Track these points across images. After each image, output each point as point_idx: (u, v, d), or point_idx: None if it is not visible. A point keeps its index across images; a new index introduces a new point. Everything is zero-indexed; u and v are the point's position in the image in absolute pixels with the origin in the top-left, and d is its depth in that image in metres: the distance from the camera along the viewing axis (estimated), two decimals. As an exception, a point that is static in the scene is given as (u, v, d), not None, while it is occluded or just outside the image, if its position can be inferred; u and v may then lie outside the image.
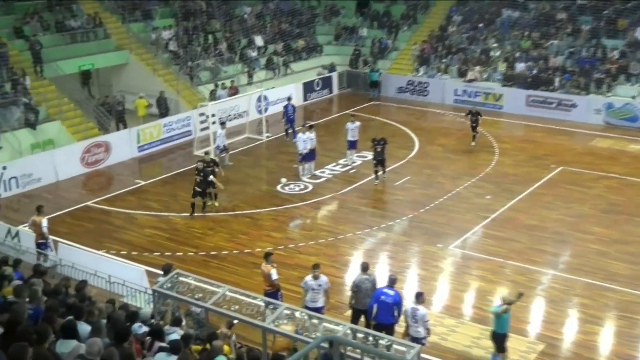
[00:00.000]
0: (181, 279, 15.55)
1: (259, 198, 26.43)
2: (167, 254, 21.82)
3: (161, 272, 16.94)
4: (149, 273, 19.11)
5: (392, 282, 16.05)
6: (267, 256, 17.49)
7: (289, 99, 34.30)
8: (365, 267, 16.87)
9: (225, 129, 30.17)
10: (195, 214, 24.69)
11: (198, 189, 24.70)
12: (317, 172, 28.62)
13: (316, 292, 16.44)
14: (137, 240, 22.93)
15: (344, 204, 25.72)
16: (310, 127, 28.77)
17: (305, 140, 27.95)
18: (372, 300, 15.86)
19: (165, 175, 29.26)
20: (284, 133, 33.70)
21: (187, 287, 15.28)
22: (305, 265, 20.72)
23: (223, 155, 29.72)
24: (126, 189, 27.76)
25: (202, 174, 24.58)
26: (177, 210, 25.28)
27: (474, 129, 31.51)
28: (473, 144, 31.34)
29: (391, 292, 15.81)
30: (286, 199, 26.21)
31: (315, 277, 16.43)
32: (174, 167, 30.46)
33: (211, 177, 24.68)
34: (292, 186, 27.28)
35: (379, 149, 27.00)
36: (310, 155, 28.25)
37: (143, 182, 28.49)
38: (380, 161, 27.23)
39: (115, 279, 17.88)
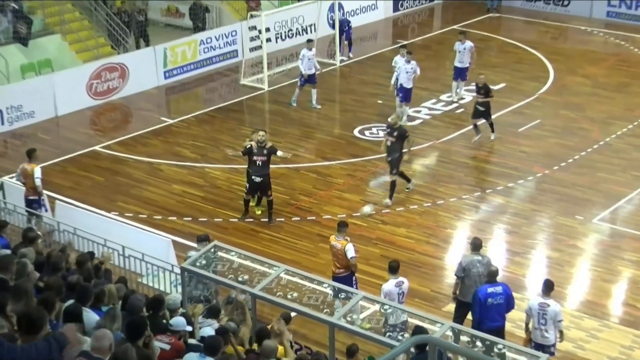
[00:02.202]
0: (220, 254, 15.78)
1: (330, 146, 26.52)
2: (202, 219, 22.13)
3: (194, 245, 17.22)
4: (176, 245, 19.45)
5: (493, 276, 15.85)
6: (340, 226, 17.51)
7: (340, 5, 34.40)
8: (477, 245, 16.78)
9: (314, 48, 29.45)
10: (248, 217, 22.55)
11: (257, 179, 21.67)
12: (411, 112, 28.51)
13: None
14: (162, 200, 23.27)
15: (447, 156, 25.58)
16: (409, 52, 27.67)
17: (408, 70, 26.95)
18: (477, 307, 15.58)
19: (201, 112, 29.50)
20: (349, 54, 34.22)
21: (229, 265, 15.51)
22: (391, 240, 20.80)
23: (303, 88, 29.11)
24: (149, 129, 28.10)
25: (264, 152, 21.51)
26: (217, 159, 25.51)
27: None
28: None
29: (498, 289, 15.65)
30: (367, 147, 26.19)
31: (398, 285, 16.04)
32: (214, 101, 30.77)
33: (280, 152, 21.98)
34: (374, 130, 27.23)
35: (480, 100, 25.59)
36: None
37: (171, 121, 28.84)
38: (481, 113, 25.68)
39: (131, 251, 18.13)
